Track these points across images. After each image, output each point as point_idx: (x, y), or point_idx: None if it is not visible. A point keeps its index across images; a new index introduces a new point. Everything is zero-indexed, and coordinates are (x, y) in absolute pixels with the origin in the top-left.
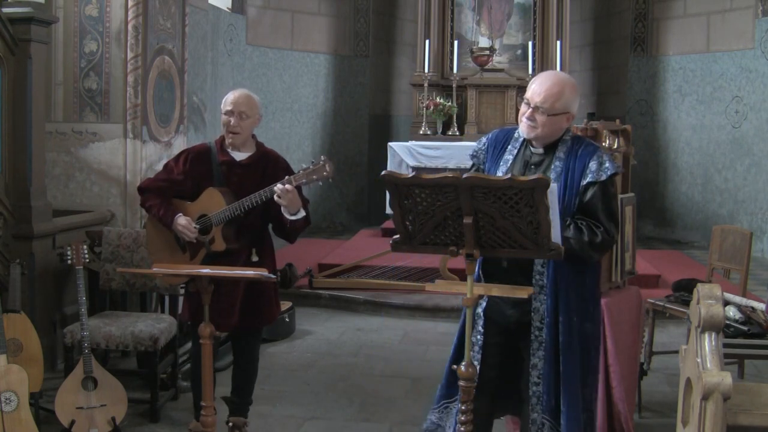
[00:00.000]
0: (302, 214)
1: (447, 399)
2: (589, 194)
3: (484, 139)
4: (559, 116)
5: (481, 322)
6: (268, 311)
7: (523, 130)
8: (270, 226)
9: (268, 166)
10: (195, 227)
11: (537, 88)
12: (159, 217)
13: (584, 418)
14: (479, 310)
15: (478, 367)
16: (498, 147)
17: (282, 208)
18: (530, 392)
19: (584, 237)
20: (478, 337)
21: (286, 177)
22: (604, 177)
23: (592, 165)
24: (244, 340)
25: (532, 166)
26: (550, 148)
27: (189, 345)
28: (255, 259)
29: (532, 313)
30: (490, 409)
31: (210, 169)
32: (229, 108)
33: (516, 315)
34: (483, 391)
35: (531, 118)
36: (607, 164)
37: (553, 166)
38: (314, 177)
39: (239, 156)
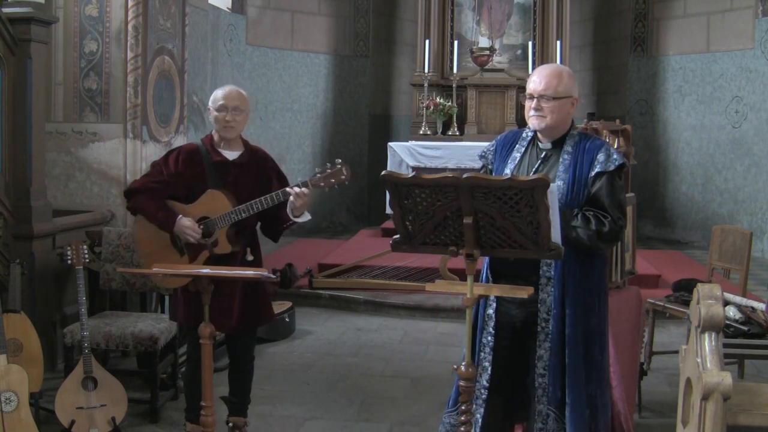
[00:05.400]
0: (307, 217)
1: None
2: (597, 185)
3: (494, 141)
4: (563, 100)
5: (492, 323)
6: (265, 312)
7: (533, 123)
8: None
9: (259, 164)
10: (200, 228)
11: (536, 78)
12: (158, 220)
13: (588, 413)
14: (490, 311)
15: (489, 369)
16: (507, 147)
17: (288, 209)
18: (536, 384)
19: (591, 226)
20: (489, 338)
21: (302, 180)
22: (612, 167)
23: (600, 156)
24: (240, 341)
25: (541, 161)
26: (558, 143)
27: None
28: (250, 258)
29: (539, 305)
30: (506, 411)
31: (203, 169)
32: (221, 103)
33: (522, 315)
34: (497, 392)
35: (538, 108)
36: (614, 156)
37: (561, 159)
38: (332, 181)
39: (231, 155)
